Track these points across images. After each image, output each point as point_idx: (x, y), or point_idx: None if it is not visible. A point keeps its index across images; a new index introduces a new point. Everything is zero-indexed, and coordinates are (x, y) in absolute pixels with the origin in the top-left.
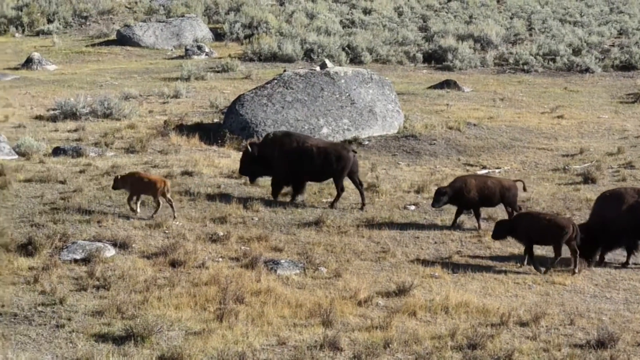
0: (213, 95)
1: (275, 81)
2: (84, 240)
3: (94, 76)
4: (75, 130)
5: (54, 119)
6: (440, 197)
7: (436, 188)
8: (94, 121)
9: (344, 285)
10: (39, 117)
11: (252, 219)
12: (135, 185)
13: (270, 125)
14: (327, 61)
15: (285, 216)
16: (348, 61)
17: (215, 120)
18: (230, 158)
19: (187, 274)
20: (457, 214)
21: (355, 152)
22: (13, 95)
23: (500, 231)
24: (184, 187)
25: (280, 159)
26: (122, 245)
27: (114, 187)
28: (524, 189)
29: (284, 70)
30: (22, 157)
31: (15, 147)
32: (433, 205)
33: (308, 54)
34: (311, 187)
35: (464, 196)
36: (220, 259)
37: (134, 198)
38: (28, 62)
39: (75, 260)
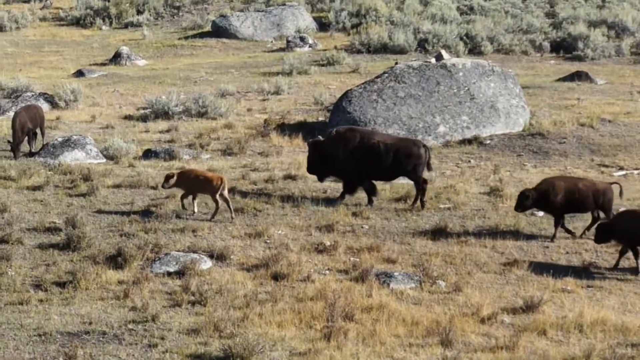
0: (317, 91)
1: (386, 75)
2: (178, 251)
3: (187, 71)
4: (168, 131)
5: (144, 118)
6: (523, 201)
7: (521, 190)
8: (187, 121)
9: (465, 301)
10: (128, 117)
11: (362, 227)
12: (190, 183)
13: (380, 123)
14: (443, 52)
15: (398, 224)
16: (466, 52)
17: (321, 118)
18: None
19: (290, 288)
20: (556, 224)
21: (427, 148)
22: (100, 93)
23: (602, 234)
24: (287, 192)
25: (345, 157)
26: (219, 257)
27: (166, 186)
28: (620, 194)
29: (396, 63)
30: (111, 161)
31: (103, 150)
32: (516, 209)
33: (422, 45)
34: (428, 191)
35: (550, 200)
36: (327, 272)
37: (190, 197)
38: (116, 57)
39: (169, 273)
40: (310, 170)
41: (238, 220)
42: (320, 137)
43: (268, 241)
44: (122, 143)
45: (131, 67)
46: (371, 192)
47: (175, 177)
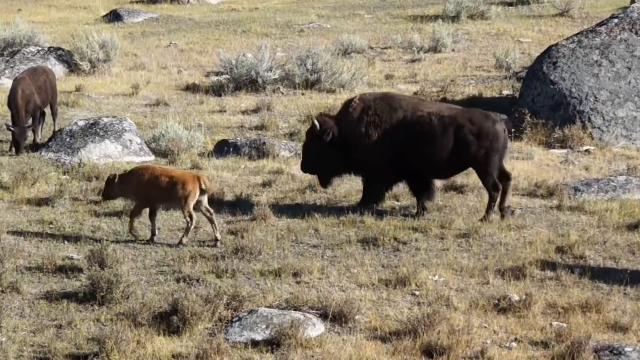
0: (501, 48)
1: (616, 22)
2: (270, 306)
3: (288, 14)
4: (256, 111)
5: (217, 90)
6: None
7: None
8: (287, 94)
9: None
10: (191, 88)
11: (573, 269)
12: (146, 189)
13: (605, 100)
14: None
15: (632, 265)
16: None
17: (506, 92)
18: (532, 161)
19: None
20: None
21: (507, 123)
22: (147, 48)
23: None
24: (448, 211)
25: (374, 140)
26: (337, 317)
27: (106, 195)
28: None
29: (632, 1)
30: (163, 159)
31: (151, 141)
32: None
33: None
34: None
35: None
36: (514, 344)
37: (146, 212)
38: None
39: (255, 343)
40: (306, 165)
41: (368, 258)
42: (329, 112)
43: (417, 292)
44: (182, 130)
45: (197, 5)
46: (424, 194)
47: (118, 180)
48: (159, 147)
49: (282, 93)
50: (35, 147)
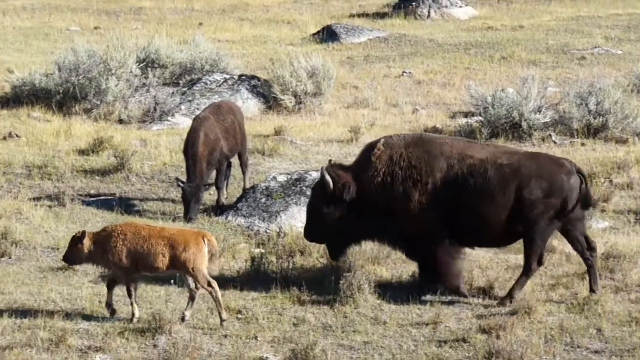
0: None
1: None
2: None
3: (564, 34)
4: None
5: (466, 136)
6: None
7: None
8: (561, 144)
9: None
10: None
11: None
12: (129, 251)
13: None
14: None
15: None
16: None
17: None
18: None
19: None
20: None
21: (584, 175)
22: (372, 77)
23: None
24: None
25: (410, 200)
26: None
27: (68, 259)
28: None
29: None
30: None
31: None
32: None
33: None
34: None
35: None
36: None
37: (127, 284)
38: (406, 1)
39: None
40: (312, 232)
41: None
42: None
43: None
44: None
45: (441, 21)
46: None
47: (89, 240)
48: None
49: (555, 142)
50: (220, 209)
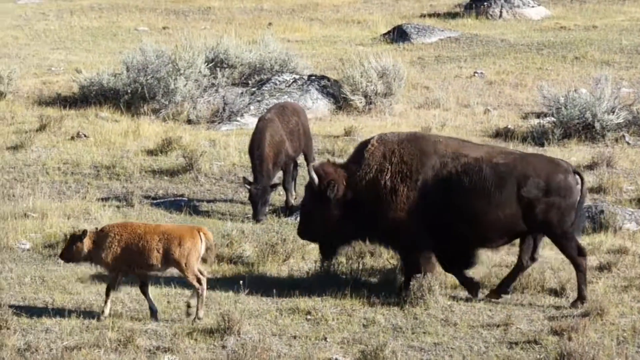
0: None
1: None
2: None
3: None
4: (591, 167)
5: (538, 137)
6: None
7: None
8: (636, 145)
9: None
10: (502, 134)
11: None
12: (121, 250)
13: None
14: None
15: None
16: None
17: None
18: None
19: None
20: None
21: (582, 177)
22: (443, 77)
23: None
24: None
25: (402, 198)
26: None
27: (66, 257)
28: None
29: None
30: None
31: None
32: None
33: None
34: None
35: None
36: None
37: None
38: (478, 1)
39: None
40: (305, 231)
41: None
42: (332, 160)
43: None
44: None
45: (513, 21)
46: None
47: (89, 239)
48: None
49: (629, 143)
50: (289, 210)
